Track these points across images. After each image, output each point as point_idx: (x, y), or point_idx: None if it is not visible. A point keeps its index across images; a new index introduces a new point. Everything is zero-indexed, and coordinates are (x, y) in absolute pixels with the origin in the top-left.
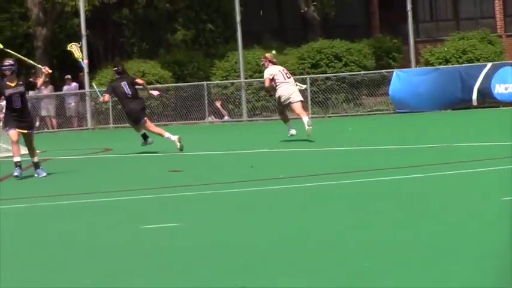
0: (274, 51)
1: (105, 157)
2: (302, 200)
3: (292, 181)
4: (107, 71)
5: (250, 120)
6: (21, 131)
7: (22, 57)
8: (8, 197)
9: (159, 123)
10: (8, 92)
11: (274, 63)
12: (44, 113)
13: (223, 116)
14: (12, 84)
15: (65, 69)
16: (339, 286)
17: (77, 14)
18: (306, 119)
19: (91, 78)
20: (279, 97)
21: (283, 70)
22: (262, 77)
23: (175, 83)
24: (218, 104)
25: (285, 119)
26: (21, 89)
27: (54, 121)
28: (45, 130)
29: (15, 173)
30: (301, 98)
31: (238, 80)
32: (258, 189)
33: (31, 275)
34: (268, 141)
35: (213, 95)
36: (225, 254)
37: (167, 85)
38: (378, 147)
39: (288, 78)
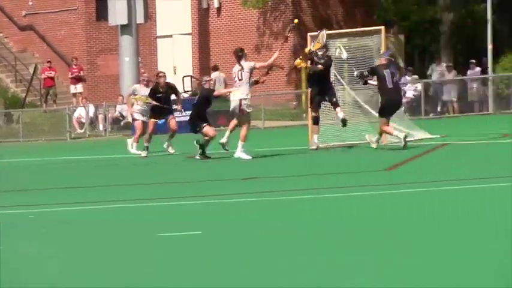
0: None
1: (503, 142)
2: None
3: None
4: (511, 56)
5: None
6: None
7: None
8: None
9: None
10: None
11: None
12: (446, 97)
13: None
14: None
15: (469, 54)
16: None
17: None
18: None
19: (495, 63)
20: None
21: None
22: None
23: None
24: None
25: None
26: None
27: (455, 106)
28: (447, 115)
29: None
30: None
31: None
32: None
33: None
34: None
35: None
36: None
37: None
38: None
39: None
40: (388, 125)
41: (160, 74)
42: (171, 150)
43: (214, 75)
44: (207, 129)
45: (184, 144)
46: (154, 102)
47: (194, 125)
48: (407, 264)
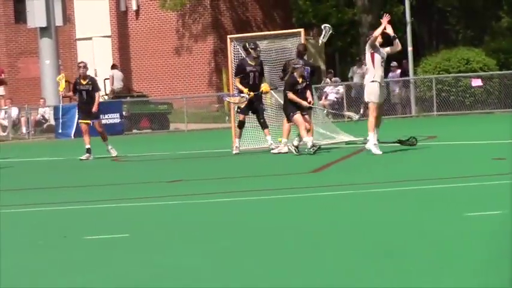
0: None
1: (429, 144)
2: None
3: None
4: (431, 59)
5: None
6: None
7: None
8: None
9: (482, 111)
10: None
11: None
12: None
13: None
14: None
15: (389, 56)
16: None
17: (402, 1)
18: None
19: (415, 66)
20: None
21: None
22: None
23: (499, 70)
24: None
25: None
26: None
27: None
28: (365, 118)
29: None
30: None
31: None
32: None
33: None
34: None
35: None
36: None
37: (491, 73)
38: None
39: None
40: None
41: (80, 64)
42: (113, 152)
43: (114, 72)
44: (296, 117)
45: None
46: (70, 94)
47: (285, 112)
48: (338, 264)
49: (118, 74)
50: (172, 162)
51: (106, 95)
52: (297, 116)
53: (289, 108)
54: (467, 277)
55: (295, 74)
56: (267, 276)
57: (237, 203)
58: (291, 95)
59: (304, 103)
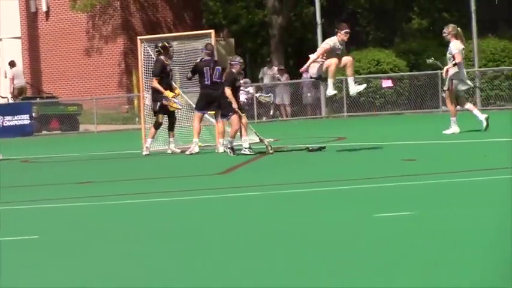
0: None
1: (338, 145)
2: None
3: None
4: None
5: (483, 109)
6: None
7: None
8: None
9: (392, 112)
10: None
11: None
12: (278, 101)
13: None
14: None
15: (301, 57)
16: None
17: (312, 2)
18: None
19: None
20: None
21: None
22: (497, 66)
23: (410, 71)
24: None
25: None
26: None
27: (288, 109)
28: (279, 118)
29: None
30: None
31: (472, 69)
32: (495, 178)
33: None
34: (504, 131)
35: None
36: (465, 245)
37: (401, 74)
38: None
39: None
40: (200, 120)
41: None
42: None
43: (13, 70)
44: (234, 118)
45: (17, 149)
46: None
47: (225, 109)
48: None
49: (18, 70)
50: (82, 163)
51: (14, 96)
52: (235, 117)
53: (229, 107)
54: (373, 278)
55: (233, 70)
56: (187, 277)
57: (149, 204)
58: (228, 92)
59: (235, 105)
